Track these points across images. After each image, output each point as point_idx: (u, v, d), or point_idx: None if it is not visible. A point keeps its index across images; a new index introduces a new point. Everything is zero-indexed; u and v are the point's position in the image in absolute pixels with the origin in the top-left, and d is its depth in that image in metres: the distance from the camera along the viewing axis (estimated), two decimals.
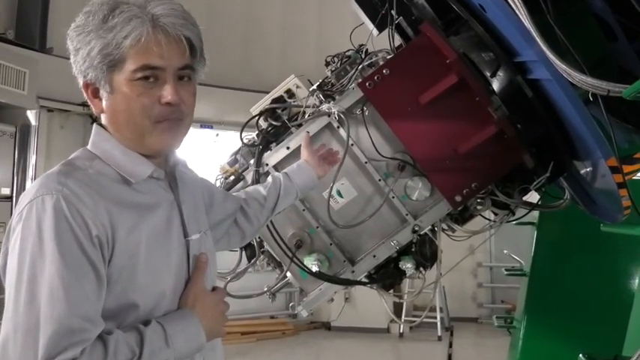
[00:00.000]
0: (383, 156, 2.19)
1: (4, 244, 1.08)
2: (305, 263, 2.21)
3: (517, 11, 1.40)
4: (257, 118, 2.39)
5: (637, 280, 2.85)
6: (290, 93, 2.43)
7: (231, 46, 6.62)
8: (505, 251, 4.81)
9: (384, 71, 2.12)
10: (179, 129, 1.20)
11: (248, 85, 6.30)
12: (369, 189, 2.25)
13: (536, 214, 3.00)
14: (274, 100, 2.42)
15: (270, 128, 2.36)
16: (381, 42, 2.38)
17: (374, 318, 6.64)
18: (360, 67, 2.31)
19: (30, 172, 5.14)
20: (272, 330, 6.77)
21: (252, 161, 2.28)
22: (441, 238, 2.34)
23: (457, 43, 2.05)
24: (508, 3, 1.43)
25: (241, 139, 2.36)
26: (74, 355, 0.97)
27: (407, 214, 2.23)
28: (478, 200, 2.27)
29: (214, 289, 1.32)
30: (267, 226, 2.15)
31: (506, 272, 3.55)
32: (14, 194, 4.78)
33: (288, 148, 2.22)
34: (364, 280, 2.33)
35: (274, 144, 2.29)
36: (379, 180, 2.22)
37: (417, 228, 2.21)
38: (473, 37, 1.95)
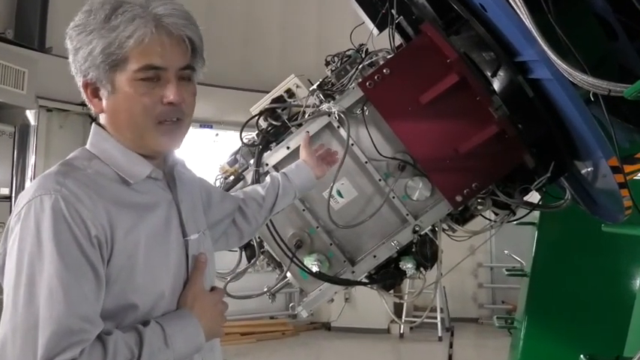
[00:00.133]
0: (383, 156, 2.19)
1: (2, 244, 1.07)
2: (305, 263, 2.21)
3: (518, 11, 1.39)
4: (257, 117, 2.39)
5: (638, 281, 2.85)
6: (290, 93, 2.43)
7: (231, 46, 6.62)
8: (506, 251, 4.81)
9: (385, 71, 2.12)
10: (180, 130, 1.20)
11: (248, 84, 6.29)
12: (370, 189, 2.25)
13: (536, 214, 3.00)
14: (274, 100, 2.42)
15: (270, 128, 2.35)
16: (381, 41, 2.37)
17: (374, 318, 6.64)
18: (361, 66, 2.31)
19: (29, 172, 5.14)
20: (272, 330, 6.77)
21: (252, 161, 2.27)
22: (441, 238, 2.33)
23: (458, 43, 2.04)
24: (509, 2, 1.42)
25: (241, 139, 2.36)
26: (73, 355, 0.97)
27: (407, 214, 2.22)
28: (479, 200, 2.26)
29: (213, 289, 1.32)
30: (267, 226, 2.15)
31: (506, 272, 3.55)
32: (13, 194, 4.77)
33: (288, 147, 2.22)
34: (364, 280, 2.33)
35: (274, 144, 2.29)
36: (379, 180, 2.21)
37: (417, 228, 2.21)
38: (473, 36, 1.95)
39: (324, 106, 2.21)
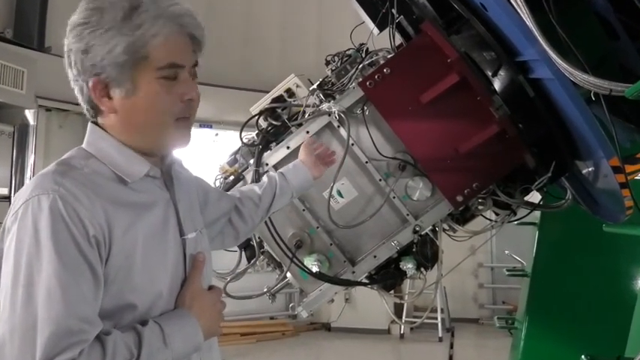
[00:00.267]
0: (384, 156, 2.18)
1: None
2: (305, 264, 2.20)
3: (519, 10, 1.39)
4: (257, 117, 2.38)
5: (639, 281, 2.84)
6: (290, 92, 2.43)
7: (231, 46, 6.62)
8: (506, 252, 4.81)
9: (385, 70, 2.11)
10: (191, 126, 1.23)
11: (248, 84, 6.29)
12: (370, 189, 2.24)
13: (537, 214, 3.00)
14: (274, 100, 2.42)
15: (270, 128, 2.35)
16: (381, 41, 2.37)
17: (374, 319, 6.63)
18: (361, 66, 2.30)
19: (28, 172, 5.13)
20: (272, 331, 6.76)
21: (251, 161, 2.27)
22: (442, 238, 2.33)
23: (458, 42, 2.04)
24: (510, 2, 1.42)
25: (241, 139, 2.36)
26: (72, 356, 0.96)
27: (408, 214, 2.22)
28: (479, 200, 2.26)
29: (211, 287, 1.32)
30: (267, 226, 2.15)
31: (507, 273, 3.54)
32: (12, 194, 4.77)
33: (288, 147, 2.21)
34: (365, 280, 2.32)
35: (274, 143, 2.29)
36: (380, 180, 2.21)
37: (417, 228, 2.21)
38: (474, 36, 1.95)
39: (324, 106, 2.20)
